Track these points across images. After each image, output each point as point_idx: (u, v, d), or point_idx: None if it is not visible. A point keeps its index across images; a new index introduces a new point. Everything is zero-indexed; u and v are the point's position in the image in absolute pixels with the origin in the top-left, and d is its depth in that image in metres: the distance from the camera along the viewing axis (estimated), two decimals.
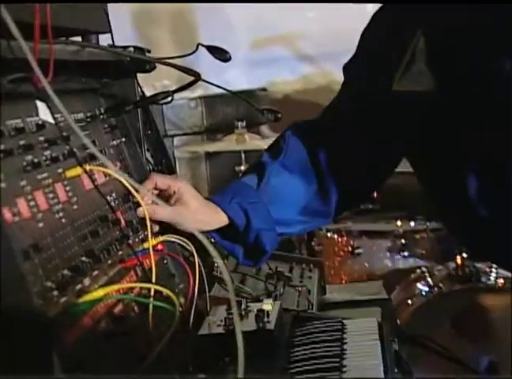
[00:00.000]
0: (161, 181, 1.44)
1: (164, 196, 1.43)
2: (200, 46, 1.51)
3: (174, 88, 1.54)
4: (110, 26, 1.43)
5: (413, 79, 1.40)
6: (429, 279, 2.71)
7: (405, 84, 1.42)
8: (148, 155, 1.62)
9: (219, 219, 1.51)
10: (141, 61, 1.47)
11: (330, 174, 1.62)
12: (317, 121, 1.71)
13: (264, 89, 4.15)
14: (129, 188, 1.28)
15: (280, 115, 1.65)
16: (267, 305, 1.32)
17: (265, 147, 3.41)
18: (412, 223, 3.20)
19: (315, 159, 1.63)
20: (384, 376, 1.17)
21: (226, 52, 1.53)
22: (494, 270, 2.59)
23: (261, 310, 1.28)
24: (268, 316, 1.28)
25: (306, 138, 1.66)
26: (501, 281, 2.57)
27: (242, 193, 1.56)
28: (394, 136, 1.54)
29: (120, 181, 1.30)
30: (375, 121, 1.55)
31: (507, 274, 2.51)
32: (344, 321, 1.41)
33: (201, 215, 1.47)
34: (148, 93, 1.60)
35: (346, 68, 1.66)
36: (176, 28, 4.07)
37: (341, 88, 1.69)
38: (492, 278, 2.58)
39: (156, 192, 1.44)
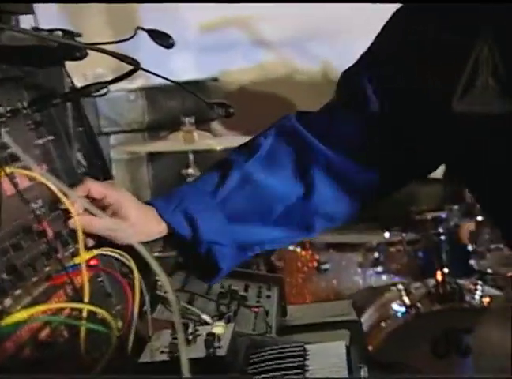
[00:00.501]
0: (96, 189, 1.44)
1: (98, 206, 1.42)
2: (139, 30, 1.50)
3: (109, 78, 1.54)
4: (32, 6, 1.43)
5: (479, 96, 1.34)
6: (405, 299, 2.75)
7: (469, 102, 1.35)
8: (79, 155, 1.62)
9: (160, 229, 1.53)
10: (70, 46, 1.46)
11: (330, 177, 1.63)
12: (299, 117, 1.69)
13: (215, 79, 4.17)
14: (58, 194, 1.26)
15: (232, 110, 1.64)
16: (218, 328, 1.32)
17: (217, 147, 3.44)
18: (387, 235, 3.23)
19: (312, 158, 1.63)
20: None
21: (169, 37, 1.53)
22: (479, 287, 2.63)
23: (211, 334, 1.28)
24: (219, 340, 1.28)
25: (286, 135, 1.66)
26: (486, 300, 2.61)
27: (190, 199, 1.56)
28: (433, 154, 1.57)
29: (47, 186, 1.27)
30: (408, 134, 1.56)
31: (494, 292, 2.55)
32: (307, 346, 1.41)
33: (141, 226, 1.49)
34: (79, 84, 1.59)
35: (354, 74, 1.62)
36: (111, 9, 4.04)
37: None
38: (477, 296, 2.62)
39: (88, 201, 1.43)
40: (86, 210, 1.34)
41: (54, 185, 1.24)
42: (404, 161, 1.60)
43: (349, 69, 1.63)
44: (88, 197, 1.42)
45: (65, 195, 1.26)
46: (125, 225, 1.45)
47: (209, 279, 1.64)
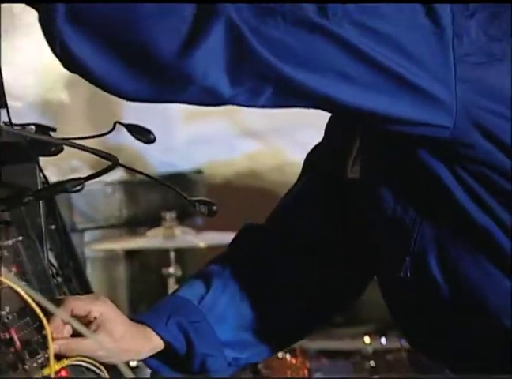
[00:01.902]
0: (79, 306, 1.44)
1: (83, 323, 1.41)
2: (118, 125, 1.53)
3: (86, 170, 1.56)
4: (5, 100, 1.44)
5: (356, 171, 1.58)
6: None
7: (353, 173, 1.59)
8: (51, 255, 1.63)
9: (151, 345, 1.54)
10: (44, 142, 1.49)
11: (282, 290, 1.68)
12: (267, 226, 1.77)
13: (199, 171, 4.20)
14: (37, 310, 1.25)
15: (215, 208, 1.65)
16: None
17: (201, 243, 3.44)
18: (384, 340, 3.21)
19: (264, 272, 1.68)
20: None
21: (149, 132, 1.53)
22: None
23: None
24: None
25: (257, 247, 1.72)
26: None
27: (180, 311, 1.58)
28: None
29: (15, 291, 1.29)
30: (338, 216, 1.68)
31: None
32: None
33: (127, 343, 1.50)
34: (53, 177, 1.61)
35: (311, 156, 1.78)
36: (93, 98, 4.04)
37: (302, 177, 1.79)
38: None
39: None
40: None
41: (30, 298, 1.23)
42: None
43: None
44: (72, 316, 1.41)
45: (45, 311, 1.25)
46: (109, 342, 1.45)
47: None
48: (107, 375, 1.36)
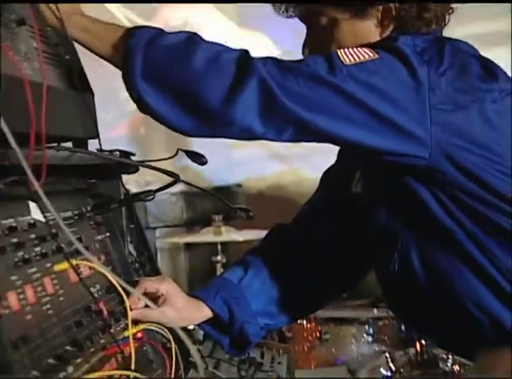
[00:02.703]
0: (150, 285, 1.45)
1: (153, 298, 1.43)
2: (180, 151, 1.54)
3: (157, 184, 1.56)
4: (97, 131, 1.44)
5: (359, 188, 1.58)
6: (391, 365, 2.69)
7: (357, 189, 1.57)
8: (130, 247, 1.63)
9: (202, 314, 1.54)
10: (124, 164, 1.50)
11: (302, 274, 1.67)
12: (291, 226, 1.75)
13: (239, 185, 4.20)
14: (118, 287, 1.27)
15: (251, 214, 1.68)
16: None
17: (241, 238, 3.42)
18: (375, 311, 3.19)
19: (289, 261, 1.68)
20: None
21: (202, 156, 1.55)
22: (450, 357, 2.58)
23: None
24: None
25: (283, 241, 1.71)
26: (456, 367, 2.55)
27: (225, 289, 1.58)
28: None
29: (103, 274, 1.29)
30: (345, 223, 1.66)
31: (463, 360, 2.50)
32: None
33: (185, 312, 1.50)
34: (132, 188, 1.62)
35: (325, 176, 1.77)
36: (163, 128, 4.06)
37: (318, 192, 1.77)
38: (449, 364, 2.57)
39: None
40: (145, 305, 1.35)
41: (115, 281, 1.24)
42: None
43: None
44: (145, 293, 1.42)
45: (126, 291, 1.27)
46: (172, 312, 1.46)
47: (240, 352, 1.64)
48: (170, 336, 1.35)
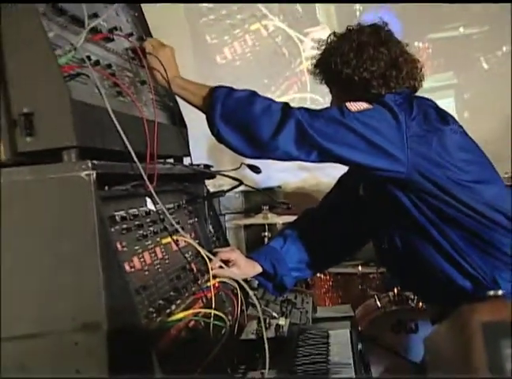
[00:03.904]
0: (223, 254, 1.44)
1: (225, 261, 1.42)
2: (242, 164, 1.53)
3: (226, 186, 1.57)
4: (189, 152, 1.45)
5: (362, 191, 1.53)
6: (378, 303, 2.64)
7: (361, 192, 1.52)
8: (210, 228, 1.63)
9: (256, 270, 1.53)
10: (207, 173, 1.49)
11: (321, 244, 1.63)
12: (315, 211, 1.71)
13: (279, 187, 4.16)
14: (204, 255, 1.26)
15: (290, 206, 1.67)
16: (282, 321, 1.29)
17: (280, 221, 3.39)
18: (368, 268, 3.13)
19: (313, 234, 1.63)
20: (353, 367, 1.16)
21: (258, 168, 1.53)
22: (415, 297, 2.55)
23: (278, 324, 1.26)
24: (282, 328, 1.26)
25: (309, 221, 1.67)
26: (420, 304, 2.51)
27: (271, 253, 1.57)
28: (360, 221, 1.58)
29: (194, 247, 1.28)
30: (352, 211, 1.60)
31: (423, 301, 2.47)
32: (329, 332, 1.39)
33: (245, 269, 1.49)
34: (211, 189, 1.62)
35: (341, 178, 1.71)
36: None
37: (335, 188, 1.71)
38: (415, 302, 2.54)
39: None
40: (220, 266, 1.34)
41: (201, 250, 1.24)
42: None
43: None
44: (221, 260, 1.40)
45: (208, 257, 1.25)
46: (238, 271, 1.44)
47: (281, 294, 1.63)
48: (236, 285, 1.33)
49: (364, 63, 1.38)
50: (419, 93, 1.47)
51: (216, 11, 3.78)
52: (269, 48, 3.69)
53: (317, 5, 3.67)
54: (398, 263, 1.47)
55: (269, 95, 1.33)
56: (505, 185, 1.42)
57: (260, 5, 3.70)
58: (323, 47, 1.47)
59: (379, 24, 1.45)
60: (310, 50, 3.54)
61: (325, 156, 1.28)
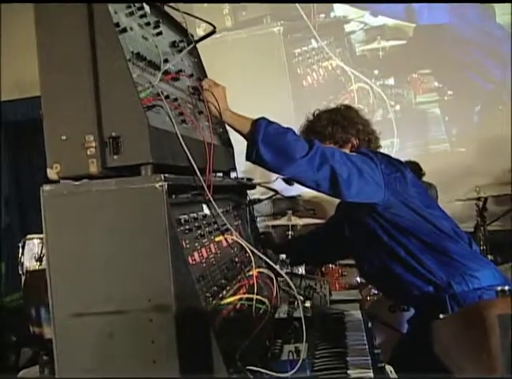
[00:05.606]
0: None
1: None
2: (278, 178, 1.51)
3: (257, 194, 1.58)
4: (235, 167, 1.44)
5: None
6: (374, 290, 2.60)
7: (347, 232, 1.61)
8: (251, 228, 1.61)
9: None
10: (248, 185, 1.48)
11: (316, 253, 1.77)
12: (314, 233, 1.87)
13: (300, 195, 4.11)
14: (248, 250, 1.21)
15: (312, 212, 1.66)
16: (306, 303, 1.25)
17: (301, 223, 3.32)
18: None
19: (316, 245, 1.78)
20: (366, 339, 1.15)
21: (290, 181, 1.52)
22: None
23: (305, 306, 1.23)
24: (307, 309, 1.22)
25: (310, 239, 1.83)
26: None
27: (296, 246, 1.73)
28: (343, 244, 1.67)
29: (240, 243, 1.24)
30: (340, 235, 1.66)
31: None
32: (344, 312, 1.39)
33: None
34: (252, 197, 1.62)
35: (338, 206, 1.76)
36: None
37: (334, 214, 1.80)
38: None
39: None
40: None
41: (246, 246, 1.19)
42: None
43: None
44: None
45: (252, 250, 1.21)
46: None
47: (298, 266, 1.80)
48: (272, 274, 1.28)
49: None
50: None
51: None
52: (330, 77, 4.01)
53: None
54: (374, 275, 1.56)
55: None
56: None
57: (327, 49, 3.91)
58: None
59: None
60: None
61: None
